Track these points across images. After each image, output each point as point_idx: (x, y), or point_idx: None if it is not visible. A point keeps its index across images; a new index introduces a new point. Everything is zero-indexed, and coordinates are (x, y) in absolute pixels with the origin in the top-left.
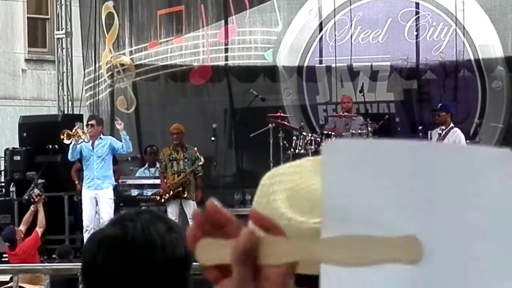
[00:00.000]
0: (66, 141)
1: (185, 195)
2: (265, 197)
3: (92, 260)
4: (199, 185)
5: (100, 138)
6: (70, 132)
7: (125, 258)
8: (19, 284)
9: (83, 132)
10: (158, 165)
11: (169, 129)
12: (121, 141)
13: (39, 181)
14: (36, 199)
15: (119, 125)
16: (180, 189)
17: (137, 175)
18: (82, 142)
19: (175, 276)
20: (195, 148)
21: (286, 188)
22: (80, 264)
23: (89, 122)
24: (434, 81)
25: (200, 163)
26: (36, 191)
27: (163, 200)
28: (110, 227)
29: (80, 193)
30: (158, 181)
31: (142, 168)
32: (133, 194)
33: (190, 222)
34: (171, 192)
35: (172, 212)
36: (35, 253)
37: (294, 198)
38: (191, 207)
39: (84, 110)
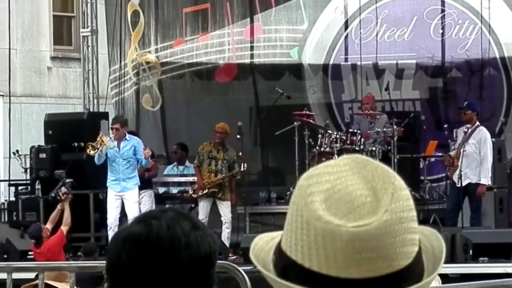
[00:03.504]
0: (92, 153)
1: (220, 196)
2: (303, 198)
3: (117, 258)
4: (233, 188)
5: (126, 139)
6: (93, 144)
7: (150, 256)
8: (45, 282)
9: (107, 138)
10: (187, 163)
11: (195, 127)
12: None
13: (67, 180)
14: (63, 198)
15: (147, 154)
16: (216, 189)
17: (165, 172)
18: (107, 150)
19: (199, 274)
20: (240, 154)
21: (323, 189)
22: (105, 262)
23: (113, 126)
24: (459, 79)
25: (243, 169)
26: (63, 189)
27: (196, 196)
28: (134, 225)
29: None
30: (184, 179)
31: (171, 166)
32: (159, 192)
33: (223, 221)
34: (206, 190)
35: (203, 209)
36: (61, 251)
37: (331, 200)
38: (225, 207)
39: (110, 108)
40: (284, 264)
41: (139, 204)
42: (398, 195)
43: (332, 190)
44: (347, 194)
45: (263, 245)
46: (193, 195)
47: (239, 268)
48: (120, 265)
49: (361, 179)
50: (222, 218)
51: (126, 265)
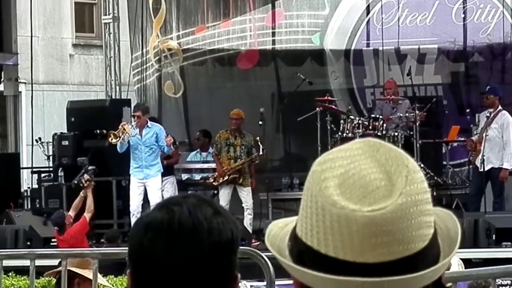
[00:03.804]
0: (114, 141)
1: (240, 182)
2: (317, 184)
3: (138, 245)
4: (252, 173)
5: (148, 126)
6: (115, 132)
7: (172, 242)
8: (68, 268)
9: (129, 126)
10: (210, 149)
11: (217, 113)
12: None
13: (90, 167)
14: (86, 185)
15: (169, 141)
16: (237, 175)
17: (188, 159)
18: (129, 138)
19: (221, 260)
20: (257, 138)
21: (337, 174)
22: (127, 248)
23: (135, 114)
24: (481, 64)
25: (261, 152)
26: (86, 176)
27: (216, 183)
28: (156, 212)
29: None
30: (207, 166)
31: (194, 152)
32: (182, 179)
33: (245, 208)
34: (227, 177)
35: (224, 197)
36: (83, 238)
37: (346, 184)
38: (247, 194)
39: (132, 94)
40: (300, 250)
41: (162, 191)
42: (412, 177)
43: (346, 175)
44: (361, 178)
45: (277, 231)
46: (213, 183)
47: (262, 254)
48: (142, 251)
49: (374, 163)
50: (243, 205)
51: (148, 252)
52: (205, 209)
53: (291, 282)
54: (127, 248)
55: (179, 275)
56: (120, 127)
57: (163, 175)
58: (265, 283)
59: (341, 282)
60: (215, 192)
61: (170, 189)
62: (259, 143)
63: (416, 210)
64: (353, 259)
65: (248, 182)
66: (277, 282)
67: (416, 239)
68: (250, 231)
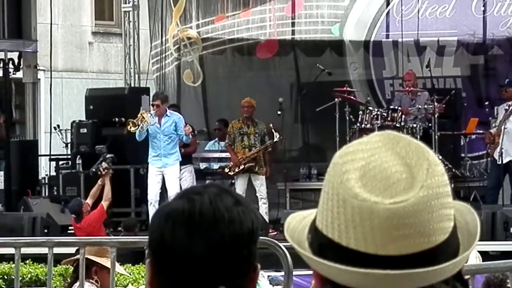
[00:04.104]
0: (133, 130)
1: (256, 170)
2: (338, 177)
3: (159, 234)
4: (267, 161)
5: (167, 115)
6: (134, 121)
7: (192, 231)
8: (85, 257)
9: (148, 115)
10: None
11: (236, 103)
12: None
13: (108, 155)
14: (104, 173)
15: (188, 130)
16: (253, 164)
17: (206, 148)
18: (148, 127)
19: (241, 250)
20: (270, 125)
21: (358, 167)
22: (146, 237)
23: (154, 103)
24: (501, 57)
25: (276, 140)
26: (104, 164)
27: (232, 173)
28: (177, 201)
29: None
30: (225, 155)
31: (212, 141)
32: (200, 168)
33: (260, 197)
34: (242, 166)
35: (240, 186)
36: (101, 226)
37: (367, 177)
38: (261, 182)
39: (151, 83)
40: (321, 243)
41: (180, 180)
42: (433, 170)
43: (367, 167)
44: (382, 171)
45: (296, 224)
46: (229, 173)
47: (280, 244)
48: (162, 241)
49: (395, 156)
50: (257, 194)
51: (168, 241)
52: (226, 199)
53: (309, 272)
54: (145, 237)
55: (199, 264)
56: (139, 115)
57: (181, 164)
58: (282, 273)
59: (362, 275)
60: (233, 181)
61: (188, 178)
62: (273, 130)
63: (437, 203)
64: (374, 251)
65: (262, 171)
66: (294, 273)
67: (437, 232)
68: (267, 220)
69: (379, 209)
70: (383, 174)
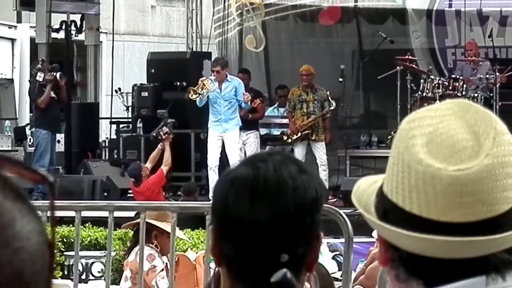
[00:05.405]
0: (194, 97)
1: (313, 137)
2: (404, 142)
3: (223, 200)
4: (327, 127)
5: (227, 80)
6: (195, 89)
7: (256, 198)
8: (146, 221)
9: (208, 81)
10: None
11: (298, 69)
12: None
13: (169, 120)
14: (164, 137)
15: (246, 98)
16: (309, 131)
17: (266, 113)
18: (208, 93)
19: (304, 218)
20: (328, 92)
21: (425, 133)
22: (207, 202)
23: (214, 69)
24: None
25: (332, 107)
26: (165, 129)
27: (290, 141)
28: (241, 168)
29: None
30: (285, 121)
31: (272, 107)
32: (261, 133)
33: (319, 164)
34: (299, 134)
35: (298, 153)
36: (160, 191)
37: (433, 143)
38: (320, 149)
39: (213, 48)
40: (385, 207)
41: (244, 144)
42: (500, 139)
43: (434, 134)
44: (449, 138)
45: (365, 187)
46: (287, 140)
47: (340, 211)
48: (226, 207)
49: (463, 123)
50: (317, 161)
51: (231, 207)
52: (290, 166)
53: (369, 240)
54: (206, 202)
55: (262, 232)
56: (199, 82)
57: (247, 129)
58: (341, 240)
59: (424, 240)
60: (292, 148)
61: (252, 143)
62: (329, 98)
63: (502, 172)
64: (437, 217)
65: (322, 137)
66: (355, 240)
67: (501, 201)
68: (326, 187)
69: (442, 176)
70: (449, 141)
